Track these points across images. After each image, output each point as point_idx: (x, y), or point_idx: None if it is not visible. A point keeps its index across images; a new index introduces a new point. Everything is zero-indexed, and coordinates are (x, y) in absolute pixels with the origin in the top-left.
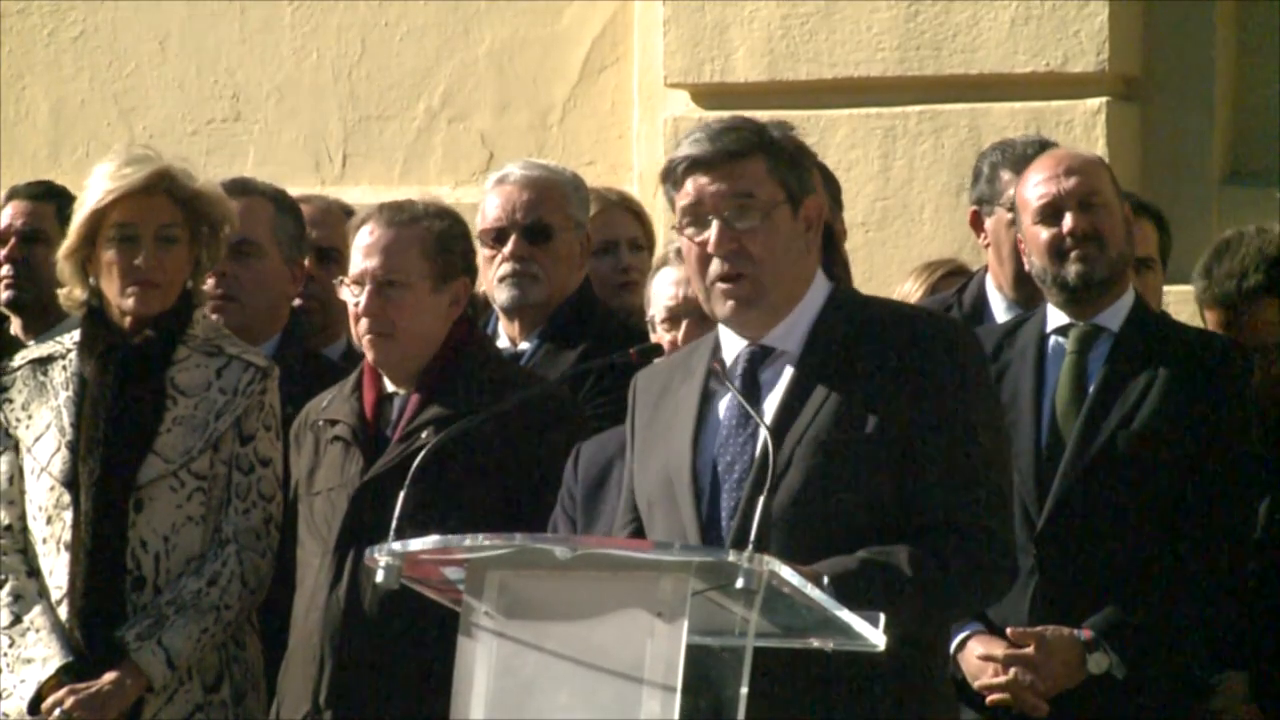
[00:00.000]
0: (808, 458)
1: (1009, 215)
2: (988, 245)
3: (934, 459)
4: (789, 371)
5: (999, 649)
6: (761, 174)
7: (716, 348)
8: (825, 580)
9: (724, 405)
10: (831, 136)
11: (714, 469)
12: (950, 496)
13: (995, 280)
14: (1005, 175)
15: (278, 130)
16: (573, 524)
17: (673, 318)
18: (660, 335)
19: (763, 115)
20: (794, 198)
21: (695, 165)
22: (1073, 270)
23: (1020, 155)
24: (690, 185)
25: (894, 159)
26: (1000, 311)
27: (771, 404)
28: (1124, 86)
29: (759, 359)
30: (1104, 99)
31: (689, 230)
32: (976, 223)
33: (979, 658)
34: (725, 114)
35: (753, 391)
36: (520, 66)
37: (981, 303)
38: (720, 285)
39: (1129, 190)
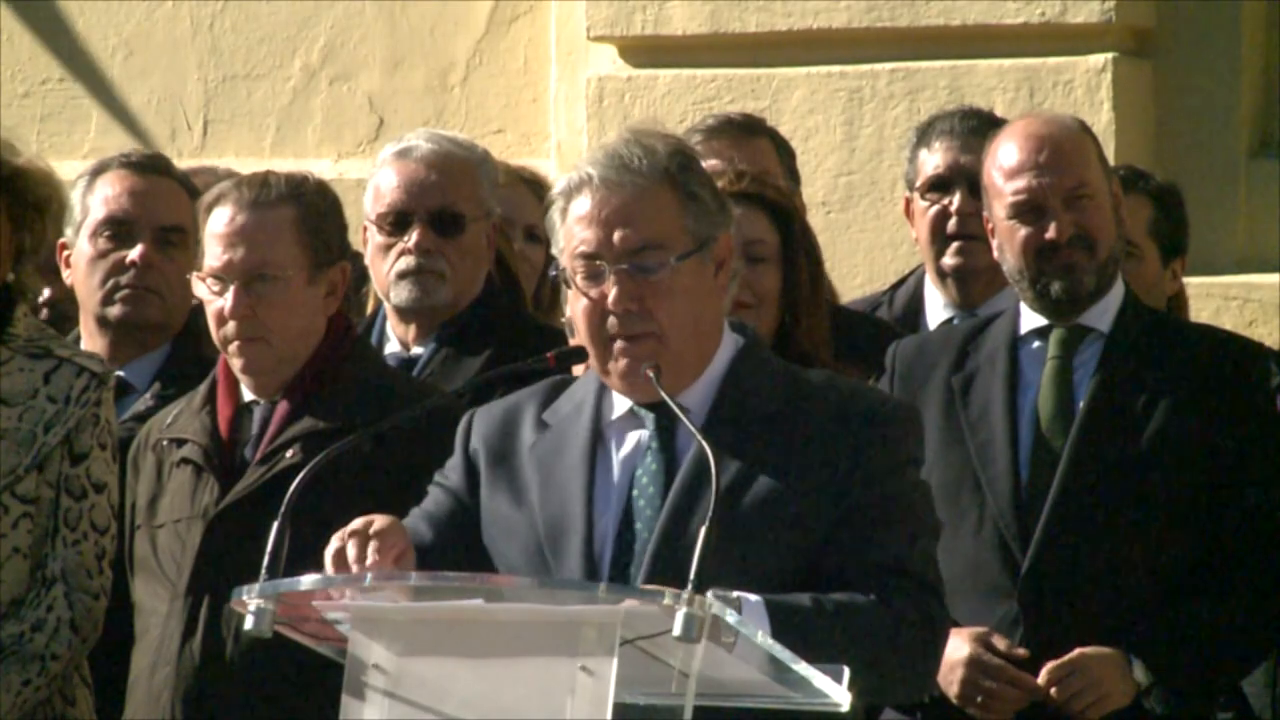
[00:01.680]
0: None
1: (924, 203)
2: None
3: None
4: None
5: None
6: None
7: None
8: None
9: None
10: (786, 100)
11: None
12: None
13: (934, 278)
14: (921, 154)
15: (126, 92)
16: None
17: None
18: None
19: (703, 75)
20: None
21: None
22: (1057, 285)
23: (941, 130)
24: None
25: (860, 126)
26: (936, 312)
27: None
28: (1134, 40)
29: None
30: (1110, 55)
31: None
32: (910, 213)
33: (996, 668)
34: (659, 73)
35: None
36: (415, 16)
37: (916, 303)
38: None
39: (1138, 164)
